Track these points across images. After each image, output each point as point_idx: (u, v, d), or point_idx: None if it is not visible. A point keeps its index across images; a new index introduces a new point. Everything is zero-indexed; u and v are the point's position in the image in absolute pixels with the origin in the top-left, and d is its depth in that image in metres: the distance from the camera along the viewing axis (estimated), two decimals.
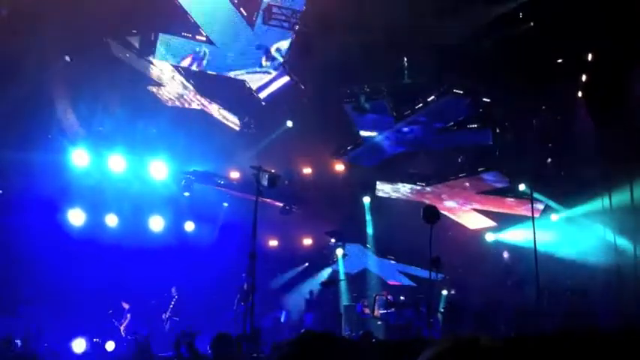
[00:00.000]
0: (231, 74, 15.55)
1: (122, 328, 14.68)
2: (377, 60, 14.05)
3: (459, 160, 17.15)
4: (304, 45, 13.83)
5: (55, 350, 12.61)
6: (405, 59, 14.26)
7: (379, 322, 15.38)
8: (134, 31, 14.23)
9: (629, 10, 11.45)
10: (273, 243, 19.67)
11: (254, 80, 15.84)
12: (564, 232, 15.93)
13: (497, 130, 15.58)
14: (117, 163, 15.81)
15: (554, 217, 16.50)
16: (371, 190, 18.84)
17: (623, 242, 13.71)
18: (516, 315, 13.52)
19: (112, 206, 16.22)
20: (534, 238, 12.82)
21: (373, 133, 16.85)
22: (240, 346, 9.75)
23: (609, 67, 13.31)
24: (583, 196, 15.02)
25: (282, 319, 17.18)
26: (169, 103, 16.76)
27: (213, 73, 15.53)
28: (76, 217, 15.43)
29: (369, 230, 19.48)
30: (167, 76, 15.95)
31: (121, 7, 12.68)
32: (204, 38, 14.32)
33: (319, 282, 18.35)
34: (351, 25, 13.03)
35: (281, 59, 14.82)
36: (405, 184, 18.29)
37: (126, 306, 15.01)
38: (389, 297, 16.26)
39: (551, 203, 16.14)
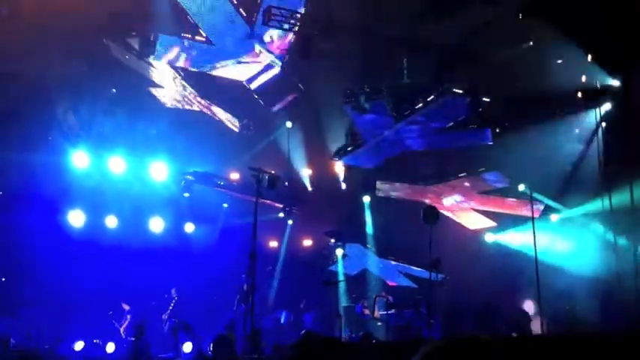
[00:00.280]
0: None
1: (122, 330, 14.67)
2: (376, 60, 14.07)
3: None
4: (304, 46, 13.84)
5: (55, 351, 12.64)
6: (405, 59, 14.27)
7: (379, 323, 15.38)
8: (133, 33, 14.24)
9: (630, 10, 11.46)
10: (274, 244, 19.68)
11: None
12: (563, 233, 15.93)
13: (497, 130, 15.57)
14: (117, 164, 15.82)
15: (553, 217, 16.49)
16: (371, 190, 18.84)
17: (623, 243, 13.71)
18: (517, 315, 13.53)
19: (112, 207, 16.22)
20: (534, 238, 12.83)
21: (373, 134, 16.85)
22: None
23: (609, 67, 13.31)
24: (583, 196, 15.01)
25: (282, 320, 17.16)
26: (169, 105, 16.79)
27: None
28: (76, 219, 15.43)
29: (369, 231, 19.48)
30: (167, 78, 15.97)
31: (121, 9, 12.71)
32: (203, 39, 14.34)
33: (319, 282, 18.34)
34: (351, 25, 13.05)
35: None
36: (404, 184, 18.29)
37: (126, 307, 15.01)
38: (389, 298, 16.26)
39: (552, 203, 16.13)
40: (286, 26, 13.83)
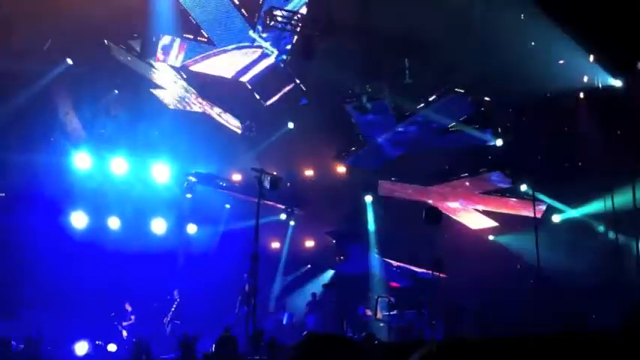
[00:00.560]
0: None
1: (124, 330, 14.67)
2: (378, 61, 14.06)
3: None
4: (305, 46, 13.84)
5: (56, 353, 12.64)
6: (407, 60, 14.26)
7: (381, 324, 15.35)
8: (135, 35, 14.25)
9: (630, 10, 11.44)
10: (276, 245, 19.68)
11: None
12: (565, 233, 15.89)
13: (499, 130, 15.55)
14: (119, 165, 15.85)
15: (555, 217, 16.44)
16: (373, 190, 18.82)
17: (625, 243, 13.69)
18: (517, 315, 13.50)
19: (115, 209, 16.24)
20: (536, 239, 12.82)
21: (375, 135, 16.84)
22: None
23: (610, 67, 13.30)
24: (585, 196, 14.98)
25: (285, 321, 17.16)
26: (171, 106, 16.80)
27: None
28: (78, 220, 15.45)
29: (372, 231, 19.46)
30: (169, 80, 15.99)
31: (123, 10, 12.73)
32: (205, 39, 14.34)
33: (321, 284, 18.34)
34: (353, 26, 13.05)
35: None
36: (406, 184, 18.27)
37: (129, 308, 15.01)
38: (391, 299, 16.24)
39: (555, 203, 16.08)
40: (288, 27, 13.83)
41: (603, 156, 13.70)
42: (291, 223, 19.28)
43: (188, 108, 17.01)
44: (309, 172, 19.21)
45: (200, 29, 14.14)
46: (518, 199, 16.76)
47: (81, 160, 15.16)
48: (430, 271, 13.74)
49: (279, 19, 13.61)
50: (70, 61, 14.22)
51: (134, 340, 13.44)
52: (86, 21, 12.46)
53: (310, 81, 15.69)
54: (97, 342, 13.62)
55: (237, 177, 18.41)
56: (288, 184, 17.36)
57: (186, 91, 16.39)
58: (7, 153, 13.22)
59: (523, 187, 16.07)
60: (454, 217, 18.43)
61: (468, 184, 17.22)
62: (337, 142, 17.78)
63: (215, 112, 17.21)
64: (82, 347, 13.12)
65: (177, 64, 15.27)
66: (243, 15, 13.86)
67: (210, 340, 11.64)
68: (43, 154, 14.05)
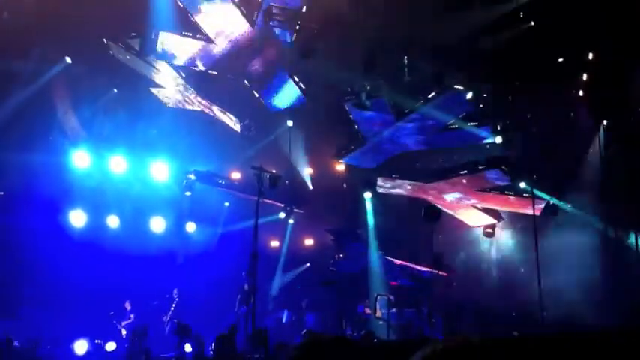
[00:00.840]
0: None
1: (123, 329, 14.68)
2: (377, 59, 14.05)
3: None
4: (304, 45, 13.83)
5: (56, 352, 12.65)
6: (406, 58, 14.26)
7: (381, 322, 15.38)
8: (134, 34, 14.23)
9: (630, 9, 11.45)
10: (275, 243, 19.68)
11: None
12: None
13: (499, 128, 15.55)
14: (118, 164, 15.85)
15: (554, 214, 16.44)
16: (372, 187, 18.83)
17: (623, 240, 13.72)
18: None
19: (114, 207, 16.24)
20: (535, 237, 12.83)
21: (374, 133, 16.84)
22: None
23: (610, 67, 13.30)
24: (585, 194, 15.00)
25: (284, 319, 17.18)
26: (170, 105, 16.79)
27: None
28: (77, 219, 15.44)
29: (371, 229, 19.47)
30: (168, 78, 15.96)
31: (122, 9, 12.71)
32: (204, 37, 14.31)
33: (321, 282, 18.35)
34: (352, 25, 13.03)
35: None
36: (405, 181, 18.29)
37: (128, 306, 15.02)
38: (390, 297, 16.26)
39: (553, 200, 16.10)
40: (287, 25, 13.82)
41: (603, 154, 13.73)
42: (290, 221, 19.29)
43: (187, 107, 17.00)
44: (308, 171, 19.21)
45: (199, 27, 14.10)
46: (517, 196, 16.78)
47: (80, 159, 15.15)
48: (430, 269, 13.80)
49: (278, 17, 13.59)
50: (68, 60, 14.21)
51: (134, 336, 13.46)
52: (85, 20, 12.45)
53: (309, 79, 15.67)
54: (96, 340, 13.65)
55: (236, 175, 18.42)
56: (287, 182, 17.37)
57: (186, 89, 16.38)
58: (5, 152, 13.21)
59: (522, 185, 16.09)
60: (453, 214, 18.45)
61: (466, 181, 17.23)
62: (336, 140, 17.79)
63: (214, 110, 17.21)
64: (81, 346, 13.14)
65: (176, 63, 15.25)
66: (242, 13, 13.81)
67: (210, 338, 11.68)
68: (42, 153, 14.03)
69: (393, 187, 18.69)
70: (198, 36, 14.24)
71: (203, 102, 16.88)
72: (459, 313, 15.14)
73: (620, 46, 12.20)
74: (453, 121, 15.83)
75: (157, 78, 15.95)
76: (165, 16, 13.54)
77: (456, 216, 18.51)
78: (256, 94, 16.25)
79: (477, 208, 18.16)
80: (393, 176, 18.21)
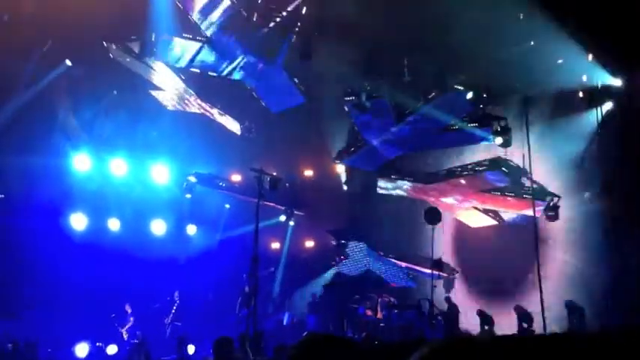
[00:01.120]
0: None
1: (124, 332, 14.66)
2: (377, 60, 14.04)
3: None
4: (304, 47, 13.82)
5: (57, 355, 12.64)
6: (406, 59, 14.25)
7: (381, 324, 15.37)
8: (134, 37, 14.23)
9: (630, 9, 11.43)
10: (275, 245, 19.69)
11: None
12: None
13: (499, 128, 15.52)
14: (119, 167, 15.86)
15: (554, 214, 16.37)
16: (372, 188, 18.83)
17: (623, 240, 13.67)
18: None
19: (114, 210, 16.24)
20: (536, 236, 12.81)
21: (374, 135, 16.83)
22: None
23: (610, 67, 13.29)
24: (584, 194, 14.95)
25: (285, 321, 17.17)
26: (170, 107, 16.79)
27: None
28: (78, 222, 15.44)
29: (372, 231, 19.47)
30: (168, 81, 15.97)
31: (122, 11, 12.71)
32: (204, 38, 14.31)
33: (322, 284, 18.35)
34: (351, 26, 13.02)
35: None
36: (405, 181, 18.28)
37: (128, 309, 15.01)
38: (391, 299, 16.25)
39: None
40: (286, 26, 13.81)
41: (603, 154, 13.69)
42: (291, 223, 19.29)
43: (187, 109, 17.00)
44: (308, 172, 19.22)
45: (199, 28, 14.10)
46: (517, 197, 16.76)
47: (80, 162, 15.16)
48: (430, 270, 13.78)
49: (278, 19, 13.59)
50: (69, 63, 14.22)
51: (135, 341, 13.45)
52: (85, 22, 12.44)
53: (309, 81, 15.67)
54: (97, 344, 13.63)
55: (236, 177, 18.43)
56: (287, 184, 17.36)
57: (186, 92, 16.39)
58: (6, 155, 13.21)
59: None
60: (454, 215, 18.44)
61: (468, 182, 17.22)
62: (336, 141, 17.79)
63: (214, 112, 17.22)
64: (82, 349, 13.13)
65: (177, 65, 15.26)
66: (241, 14, 13.79)
67: (210, 341, 11.66)
68: (43, 156, 14.03)
69: (394, 188, 18.68)
70: (197, 37, 14.24)
71: (203, 104, 16.89)
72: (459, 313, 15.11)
73: (621, 46, 12.18)
74: (453, 123, 15.81)
75: (157, 80, 15.95)
76: (164, 18, 13.54)
77: (457, 217, 18.50)
78: (256, 96, 16.25)
79: (477, 209, 18.14)
80: (394, 177, 18.21)
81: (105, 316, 14.54)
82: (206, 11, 13.71)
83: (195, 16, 13.76)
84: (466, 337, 1.44)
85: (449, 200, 18.13)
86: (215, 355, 6.29)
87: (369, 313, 16.20)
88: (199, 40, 14.29)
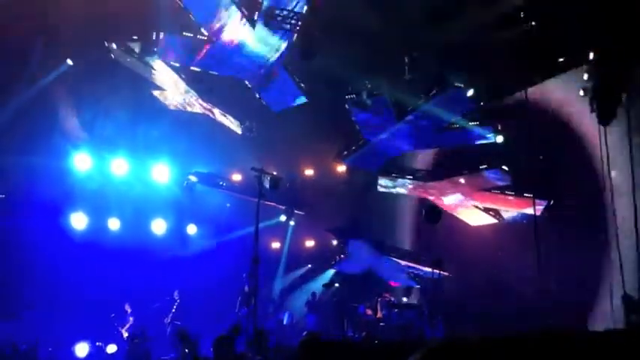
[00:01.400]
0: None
1: (124, 331, 14.67)
2: (378, 60, 14.03)
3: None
4: (305, 46, 13.80)
5: (57, 354, 12.65)
6: (407, 58, 14.23)
7: (382, 324, 15.37)
8: (135, 37, 14.23)
9: (630, 9, 11.42)
10: (276, 245, 19.69)
11: None
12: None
13: (499, 127, 15.52)
14: (119, 166, 15.87)
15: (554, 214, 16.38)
16: (373, 187, 18.84)
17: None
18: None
19: (115, 210, 16.25)
20: (536, 236, 12.78)
21: (375, 134, 16.82)
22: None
23: (610, 66, 13.26)
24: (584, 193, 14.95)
25: (285, 321, 17.17)
26: (171, 107, 16.79)
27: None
28: (78, 221, 15.46)
29: (372, 230, 19.47)
30: (169, 80, 15.96)
31: (122, 11, 12.71)
32: (205, 38, 14.31)
33: (322, 283, 18.35)
34: (352, 25, 13.01)
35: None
36: (406, 180, 18.29)
37: (128, 309, 15.01)
38: (391, 298, 16.26)
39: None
40: (287, 26, 13.80)
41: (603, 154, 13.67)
42: (292, 223, 19.30)
43: (188, 109, 17.00)
44: (309, 172, 19.22)
45: (200, 27, 14.09)
46: (517, 196, 16.76)
47: (81, 161, 15.17)
48: (431, 270, 13.77)
49: (279, 18, 13.58)
50: (70, 62, 14.23)
51: (135, 341, 13.44)
52: (86, 22, 12.45)
53: (310, 80, 15.67)
54: (97, 343, 13.64)
55: (237, 177, 18.43)
56: (288, 184, 17.36)
57: (186, 91, 16.39)
58: (7, 154, 13.23)
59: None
60: (454, 214, 18.44)
61: (468, 180, 17.22)
62: (337, 141, 17.79)
63: (215, 112, 17.22)
64: (82, 348, 13.14)
65: (177, 64, 15.26)
66: (242, 13, 13.79)
67: (210, 340, 11.66)
68: (43, 156, 14.04)
69: (394, 187, 18.69)
70: (198, 36, 14.23)
71: (204, 104, 16.89)
72: (460, 313, 15.11)
73: (621, 45, 12.16)
74: (454, 121, 15.79)
75: (158, 80, 15.95)
76: (165, 17, 13.54)
77: (457, 216, 18.50)
78: (257, 96, 16.25)
79: (477, 207, 18.15)
80: (394, 175, 18.22)
81: (105, 316, 14.55)
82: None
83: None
84: (466, 337, 1.44)
85: (450, 199, 18.14)
86: (215, 354, 6.30)
87: (369, 312, 16.21)
88: (200, 39, 14.29)
